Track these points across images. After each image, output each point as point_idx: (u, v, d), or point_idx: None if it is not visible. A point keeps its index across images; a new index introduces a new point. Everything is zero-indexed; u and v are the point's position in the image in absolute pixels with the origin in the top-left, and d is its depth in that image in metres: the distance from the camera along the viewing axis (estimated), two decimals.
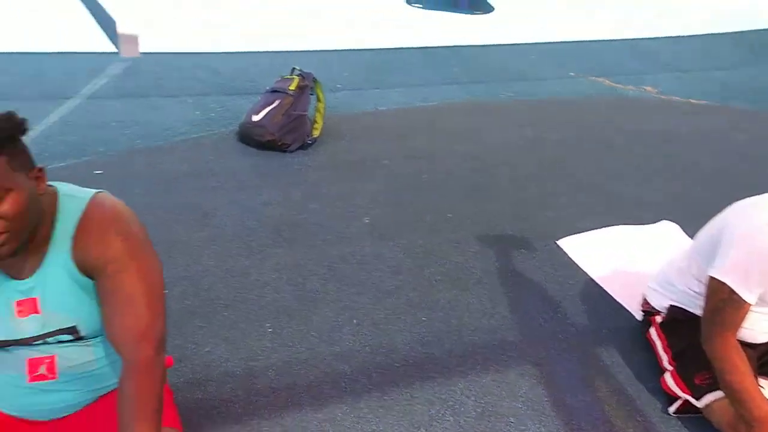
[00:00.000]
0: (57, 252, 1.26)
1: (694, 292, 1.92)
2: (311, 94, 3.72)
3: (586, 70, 5.08)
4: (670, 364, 1.98)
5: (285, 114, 3.51)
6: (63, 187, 1.31)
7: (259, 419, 1.84)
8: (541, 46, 5.68)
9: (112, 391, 1.42)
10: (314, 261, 2.58)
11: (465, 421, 1.87)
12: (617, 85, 4.84)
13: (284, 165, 3.36)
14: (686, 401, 1.87)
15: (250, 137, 3.52)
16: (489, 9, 6.97)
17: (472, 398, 1.96)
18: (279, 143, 3.47)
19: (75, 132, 3.51)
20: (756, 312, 1.74)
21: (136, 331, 1.25)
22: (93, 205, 1.29)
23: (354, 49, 5.45)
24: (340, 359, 2.08)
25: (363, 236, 2.77)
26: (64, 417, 1.40)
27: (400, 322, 2.26)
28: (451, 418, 1.88)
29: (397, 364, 2.08)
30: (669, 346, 2.01)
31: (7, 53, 4.72)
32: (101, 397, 1.43)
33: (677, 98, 4.67)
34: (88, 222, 1.27)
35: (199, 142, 3.53)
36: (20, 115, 1.20)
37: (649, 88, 4.82)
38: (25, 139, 1.21)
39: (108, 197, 1.34)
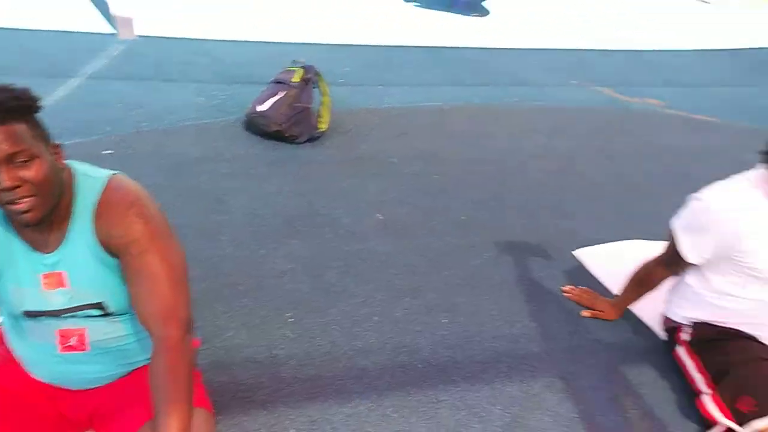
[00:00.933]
0: (79, 230, 1.27)
1: (718, 293, 1.96)
2: (314, 87, 3.68)
3: (587, 79, 5.12)
4: (708, 387, 1.91)
5: (290, 105, 3.46)
6: (77, 166, 1.33)
7: (285, 407, 1.80)
8: (541, 53, 5.71)
9: (142, 366, 1.44)
10: (328, 254, 2.53)
11: (492, 430, 1.85)
12: (621, 96, 4.89)
13: (293, 156, 3.30)
14: (728, 429, 1.79)
15: (256, 126, 3.46)
16: (485, 12, 7.00)
17: (499, 407, 1.93)
18: (286, 134, 3.42)
19: (81, 111, 3.40)
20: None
21: (161, 312, 1.27)
22: (111, 186, 1.31)
23: (355, 45, 5.42)
24: (362, 355, 2.05)
25: (376, 233, 2.73)
26: (96, 387, 1.43)
27: (420, 323, 2.24)
28: (478, 425, 1.86)
29: (420, 365, 2.05)
30: (704, 368, 1.96)
31: (5, 28, 4.56)
32: (133, 371, 1.45)
33: (683, 113, 4.72)
34: (108, 203, 1.28)
35: (207, 127, 3.45)
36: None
37: (653, 101, 4.87)
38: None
39: (125, 179, 1.35)
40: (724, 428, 1.82)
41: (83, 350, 1.35)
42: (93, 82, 3.88)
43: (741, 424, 1.75)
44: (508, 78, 4.96)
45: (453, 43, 5.62)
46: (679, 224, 1.99)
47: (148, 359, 1.45)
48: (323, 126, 3.60)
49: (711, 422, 1.86)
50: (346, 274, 2.43)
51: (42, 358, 1.36)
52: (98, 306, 1.31)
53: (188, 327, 1.28)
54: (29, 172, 1.14)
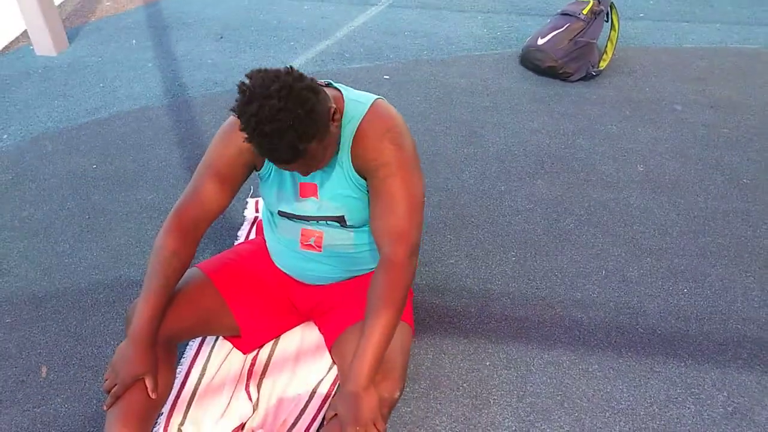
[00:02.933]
0: (340, 150, 1.40)
1: None
2: (605, 21, 3.40)
3: None
4: None
5: (572, 40, 3.28)
6: (348, 93, 1.43)
7: (486, 340, 1.85)
8: None
9: (364, 274, 1.62)
10: (572, 200, 2.43)
11: (708, 415, 1.65)
12: None
13: (562, 94, 3.17)
14: None
15: (530, 61, 3.38)
16: None
17: (725, 393, 1.71)
18: (560, 71, 3.27)
19: (372, 37, 3.74)
20: None
21: (394, 232, 1.36)
22: (373, 111, 1.39)
23: None
24: (578, 307, 1.97)
25: (632, 185, 2.52)
26: (321, 285, 1.64)
27: (655, 287, 2.04)
28: (692, 406, 1.68)
29: (642, 330, 1.89)
30: None
31: None
32: (355, 277, 1.63)
33: None
34: (368, 127, 1.38)
35: (480, 59, 3.50)
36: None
37: None
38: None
39: (385, 106, 1.43)
40: None
41: (317, 251, 1.55)
42: (390, 10, 4.19)
43: None
44: None
45: None
46: None
47: (373, 269, 1.63)
48: (603, 64, 3.35)
49: None
50: (585, 223, 2.32)
51: (285, 252, 1.59)
52: (339, 219, 1.48)
53: (414, 250, 1.38)
54: (318, 166, 1.31)
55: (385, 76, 3.28)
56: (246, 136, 1.20)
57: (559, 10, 3.48)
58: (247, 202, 2.36)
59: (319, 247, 1.54)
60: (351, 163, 1.40)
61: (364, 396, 1.31)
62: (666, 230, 2.28)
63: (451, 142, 2.77)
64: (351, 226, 1.50)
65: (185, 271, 1.49)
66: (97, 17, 4.10)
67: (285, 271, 1.65)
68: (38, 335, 1.90)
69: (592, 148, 2.74)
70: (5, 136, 2.83)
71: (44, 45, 3.52)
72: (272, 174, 1.47)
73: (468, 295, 2.01)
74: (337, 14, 4.03)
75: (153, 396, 1.38)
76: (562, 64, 3.25)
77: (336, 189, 1.44)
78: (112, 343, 1.87)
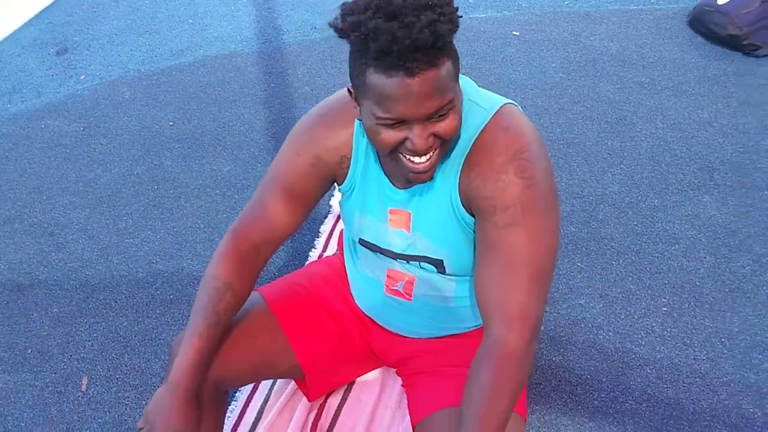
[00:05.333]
0: (445, 170, 1.01)
1: None
2: None
3: None
4: None
5: (766, 1, 2.55)
6: (468, 89, 1.01)
7: (620, 428, 1.41)
8: None
9: (473, 330, 1.24)
10: (751, 229, 1.86)
11: None
12: None
13: (743, 74, 2.48)
14: None
15: (704, 25, 2.68)
16: None
17: None
18: (744, 42, 2.57)
19: None
20: None
21: (510, 309, 0.97)
22: (497, 124, 0.98)
23: None
24: (751, 395, 1.47)
25: None
26: (409, 337, 1.28)
27: None
28: None
29: None
30: None
31: None
32: (461, 333, 1.25)
33: None
34: (487, 147, 0.97)
35: (637, 16, 2.83)
36: None
37: None
38: None
39: (516, 116, 1.00)
40: None
41: (406, 299, 1.18)
42: None
43: None
44: None
45: None
46: None
47: (478, 327, 1.24)
48: None
49: None
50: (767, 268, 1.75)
51: (367, 292, 1.25)
52: (437, 263, 1.10)
53: (535, 333, 0.98)
54: (442, 126, 0.89)
55: (514, 32, 2.71)
56: (356, 24, 0.82)
57: None
58: (334, 187, 1.98)
59: (409, 295, 1.17)
60: (458, 191, 1.00)
61: None
62: None
63: (593, 130, 2.22)
64: (451, 274, 1.11)
65: (241, 307, 1.16)
66: None
67: (366, 312, 1.30)
68: (84, 335, 1.65)
69: None
70: (83, 77, 2.57)
71: None
72: (356, 189, 1.11)
73: (599, 355, 1.55)
74: None
75: None
76: (749, 33, 2.55)
77: (435, 224, 1.05)
78: (162, 357, 1.59)
